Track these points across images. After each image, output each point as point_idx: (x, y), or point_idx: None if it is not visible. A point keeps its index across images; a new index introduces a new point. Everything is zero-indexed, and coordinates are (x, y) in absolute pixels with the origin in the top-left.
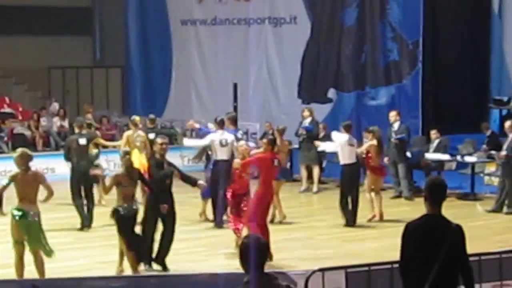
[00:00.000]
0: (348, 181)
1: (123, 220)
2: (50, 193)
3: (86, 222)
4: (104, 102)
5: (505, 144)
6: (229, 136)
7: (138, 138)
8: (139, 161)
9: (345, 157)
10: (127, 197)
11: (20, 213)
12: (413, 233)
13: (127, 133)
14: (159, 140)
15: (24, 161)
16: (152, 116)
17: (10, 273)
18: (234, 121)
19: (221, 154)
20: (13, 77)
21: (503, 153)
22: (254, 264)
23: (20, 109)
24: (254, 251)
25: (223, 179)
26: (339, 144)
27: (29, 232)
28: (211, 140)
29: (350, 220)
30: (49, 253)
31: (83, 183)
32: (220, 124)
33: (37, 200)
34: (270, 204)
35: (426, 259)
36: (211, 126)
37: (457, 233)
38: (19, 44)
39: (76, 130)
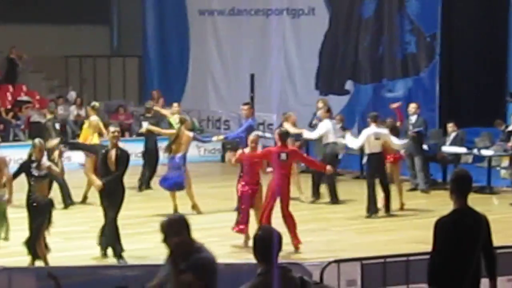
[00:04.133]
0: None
1: None
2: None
3: None
4: (121, 91)
5: None
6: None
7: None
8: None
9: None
10: None
11: None
12: (445, 229)
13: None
14: (111, 129)
15: None
16: (148, 104)
17: (25, 261)
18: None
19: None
20: (30, 65)
21: (510, 143)
22: (268, 255)
23: (37, 97)
24: (269, 243)
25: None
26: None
27: None
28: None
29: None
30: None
31: None
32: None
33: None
34: (278, 194)
35: (463, 253)
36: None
37: (487, 223)
38: (37, 33)
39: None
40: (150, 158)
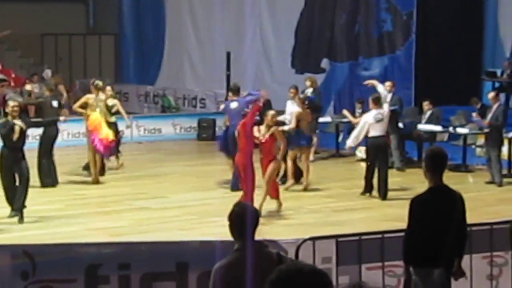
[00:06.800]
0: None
1: None
2: None
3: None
4: (96, 69)
5: (489, 114)
6: None
7: (99, 102)
8: (100, 122)
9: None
10: None
11: None
12: (420, 207)
13: (88, 96)
14: (11, 103)
15: None
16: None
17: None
18: (236, 91)
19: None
20: (5, 43)
21: (487, 120)
22: (244, 232)
23: (13, 75)
24: (245, 219)
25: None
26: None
27: None
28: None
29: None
30: None
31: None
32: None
33: None
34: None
35: (438, 231)
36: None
37: (462, 201)
38: (12, 10)
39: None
40: None
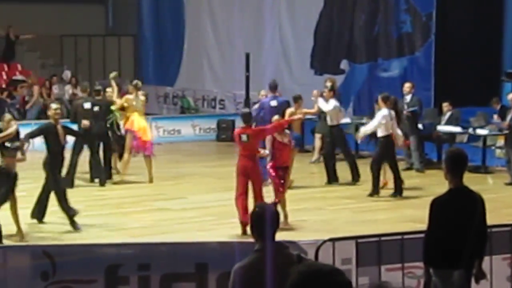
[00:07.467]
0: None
1: None
2: None
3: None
4: (116, 70)
5: (509, 115)
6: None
7: (139, 102)
8: (139, 123)
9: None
10: None
11: None
12: (441, 208)
13: (127, 97)
14: (53, 106)
15: None
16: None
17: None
18: (275, 88)
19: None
20: (25, 44)
21: (506, 122)
22: (264, 232)
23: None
24: (265, 220)
25: None
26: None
27: None
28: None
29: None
30: None
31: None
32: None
33: None
34: (246, 175)
35: (458, 232)
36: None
37: (482, 203)
38: (32, 12)
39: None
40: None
